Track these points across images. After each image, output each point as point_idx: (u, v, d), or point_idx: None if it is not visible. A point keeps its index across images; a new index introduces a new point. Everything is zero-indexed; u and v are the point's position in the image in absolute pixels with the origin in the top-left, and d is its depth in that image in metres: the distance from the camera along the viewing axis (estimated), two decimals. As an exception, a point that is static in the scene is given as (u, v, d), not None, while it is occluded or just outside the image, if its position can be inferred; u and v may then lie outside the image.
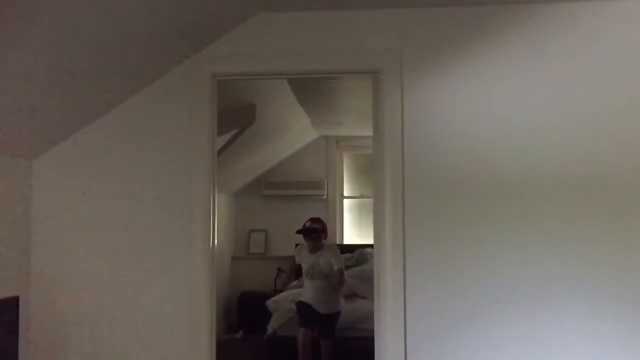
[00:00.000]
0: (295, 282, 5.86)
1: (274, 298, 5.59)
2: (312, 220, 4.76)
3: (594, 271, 2.51)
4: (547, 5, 2.58)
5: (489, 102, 2.60)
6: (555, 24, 2.59)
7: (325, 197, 7.28)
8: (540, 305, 2.53)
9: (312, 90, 4.85)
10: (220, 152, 4.64)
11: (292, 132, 6.52)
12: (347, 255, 6.51)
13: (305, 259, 4.68)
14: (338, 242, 7.19)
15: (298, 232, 4.75)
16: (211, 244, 2.70)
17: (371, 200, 2.89)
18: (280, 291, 5.91)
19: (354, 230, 7.50)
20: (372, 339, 2.72)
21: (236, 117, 4.72)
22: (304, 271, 4.70)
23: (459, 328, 2.55)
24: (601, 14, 2.57)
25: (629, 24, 2.57)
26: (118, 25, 2.17)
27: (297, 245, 5.12)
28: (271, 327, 5.19)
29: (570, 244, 2.53)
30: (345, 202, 7.53)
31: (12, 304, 2.33)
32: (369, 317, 3.45)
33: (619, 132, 2.54)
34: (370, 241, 2.98)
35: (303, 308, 4.69)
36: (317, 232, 4.68)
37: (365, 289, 5.02)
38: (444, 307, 2.56)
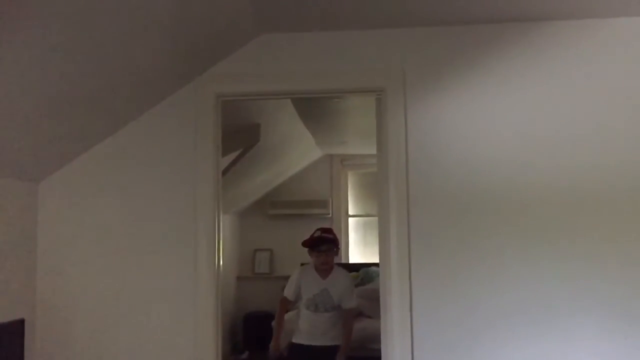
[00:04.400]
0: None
1: (279, 318, 5.54)
2: (323, 229, 3.82)
3: (605, 288, 2.49)
4: (548, 23, 2.60)
5: (493, 119, 2.61)
6: (557, 41, 2.60)
7: (330, 215, 7.27)
8: (550, 322, 2.50)
9: (316, 109, 4.87)
10: (224, 172, 4.66)
11: (297, 151, 6.54)
12: (353, 274, 6.47)
13: (310, 285, 3.71)
14: (343, 260, 7.16)
15: (304, 243, 3.79)
16: (216, 264, 2.69)
17: (376, 218, 2.88)
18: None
19: (358, 249, 7.48)
20: (380, 359, 2.70)
21: (240, 136, 4.74)
22: (305, 299, 3.75)
23: (467, 346, 2.53)
24: (603, 31, 2.59)
25: (628, 41, 2.58)
26: (123, 48, 2.20)
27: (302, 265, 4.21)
28: (277, 347, 5.13)
29: (579, 260, 2.51)
30: (350, 220, 7.52)
31: (18, 326, 2.32)
32: (375, 336, 3.42)
33: (627, 146, 2.54)
34: (375, 260, 2.97)
35: (299, 354, 3.81)
36: (330, 243, 3.74)
37: (372, 307, 4.98)
38: (452, 325, 2.54)
